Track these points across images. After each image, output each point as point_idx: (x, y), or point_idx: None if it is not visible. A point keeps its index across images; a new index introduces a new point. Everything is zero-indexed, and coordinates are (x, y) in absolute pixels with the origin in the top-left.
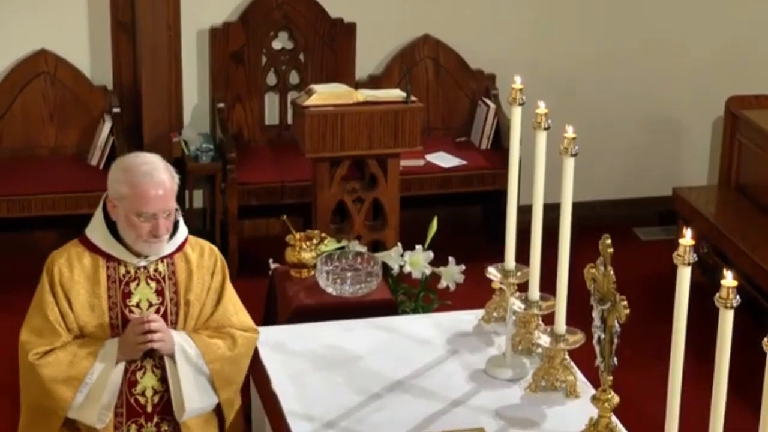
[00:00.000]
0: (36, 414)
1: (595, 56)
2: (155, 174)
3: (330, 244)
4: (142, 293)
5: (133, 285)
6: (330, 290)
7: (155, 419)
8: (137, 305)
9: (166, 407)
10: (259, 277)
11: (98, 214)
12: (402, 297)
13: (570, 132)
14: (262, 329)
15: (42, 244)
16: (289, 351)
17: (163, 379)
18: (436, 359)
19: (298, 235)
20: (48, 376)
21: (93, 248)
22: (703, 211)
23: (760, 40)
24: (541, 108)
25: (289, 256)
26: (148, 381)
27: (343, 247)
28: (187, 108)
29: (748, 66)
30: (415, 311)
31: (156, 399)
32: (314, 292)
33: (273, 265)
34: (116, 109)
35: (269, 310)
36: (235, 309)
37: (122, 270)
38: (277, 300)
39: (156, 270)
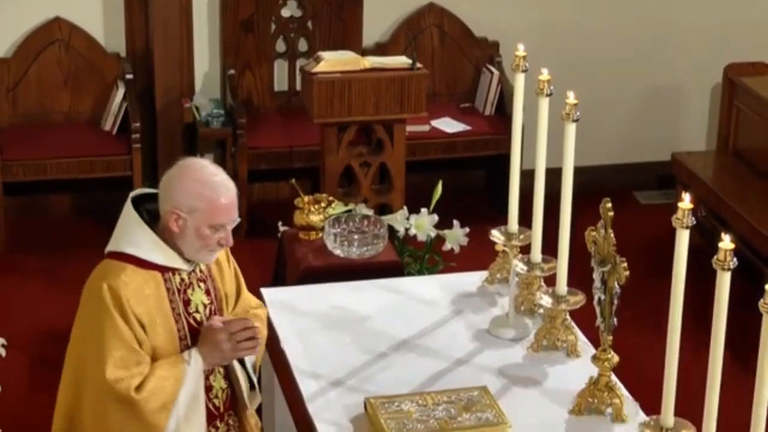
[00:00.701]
0: None
1: (596, 25)
2: (227, 184)
3: (337, 207)
4: (197, 297)
5: (189, 291)
6: (337, 252)
7: (225, 417)
8: (196, 310)
9: (231, 403)
10: (268, 240)
11: (141, 228)
12: (408, 259)
13: (571, 98)
14: (272, 290)
15: (56, 208)
16: (298, 311)
17: (225, 376)
18: (441, 319)
19: (306, 199)
20: (151, 410)
21: (145, 264)
22: (702, 175)
23: (757, 9)
24: (544, 75)
25: (297, 219)
26: (218, 382)
27: (350, 210)
28: (199, 74)
29: (746, 34)
30: (420, 273)
31: (224, 397)
32: (322, 254)
33: (282, 228)
34: (129, 76)
35: (278, 271)
36: (247, 290)
37: (177, 279)
38: (286, 262)
39: (201, 271)
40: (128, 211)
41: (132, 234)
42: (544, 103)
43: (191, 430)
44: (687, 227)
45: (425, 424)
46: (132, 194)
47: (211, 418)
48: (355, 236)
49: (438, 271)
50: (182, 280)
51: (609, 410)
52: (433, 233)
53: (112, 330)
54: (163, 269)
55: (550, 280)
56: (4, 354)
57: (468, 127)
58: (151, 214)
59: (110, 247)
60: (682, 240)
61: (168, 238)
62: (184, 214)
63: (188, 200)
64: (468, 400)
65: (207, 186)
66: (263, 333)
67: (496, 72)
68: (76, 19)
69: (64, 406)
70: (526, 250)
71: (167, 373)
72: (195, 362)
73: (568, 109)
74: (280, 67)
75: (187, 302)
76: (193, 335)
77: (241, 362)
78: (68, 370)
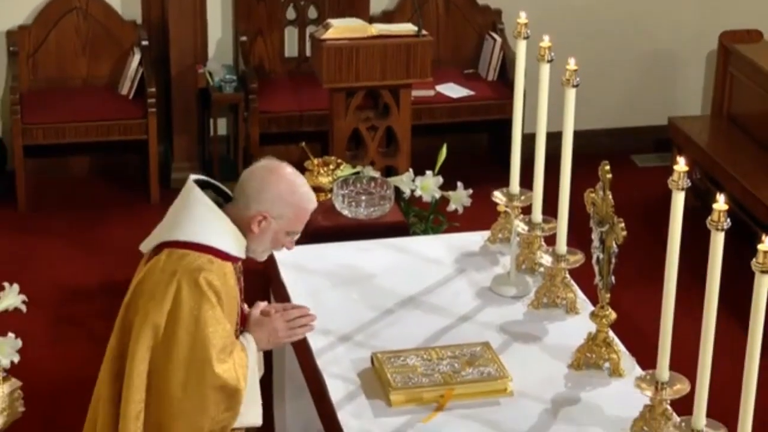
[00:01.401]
0: None
1: None
2: (312, 195)
3: (346, 170)
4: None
5: (241, 279)
6: (346, 213)
7: None
8: (243, 297)
9: None
10: None
11: (223, 222)
12: (413, 219)
13: (572, 64)
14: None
15: (74, 169)
16: (308, 270)
17: None
18: (445, 277)
19: (315, 161)
20: (244, 397)
21: (224, 256)
22: (697, 139)
23: None
24: (545, 42)
25: (307, 181)
26: None
27: (358, 173)
28: (212, 41)
29: (741, 2)
30: (425, 232)
31: None
32: (331, 215)
33: None
34: (145, 42)
35: None
36: None
37: (237, 270)
38: None
39: None
40: (200, 199)
41: (210, 225)
42: (544, 69)
43: (253, 412)
44: (682, 189)
45: (430, 378)
46: (193, 178)
47: None
48: (363, 197)
49: (442, 231)
50: (239, 269)
51: (606, 365)
52: (437, 194)
53: (215, 323)
54: (234, 259)
55: (551, 240)
56: (24, 310)
57: (471, 93)
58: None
59: (180, 235)
60: (678, 201)
61: (237, 229)
62: (271, 219)
63: (280, 207)
64: (471, 355)
65: (302, 198)
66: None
67: (498, 39)
68: None
69: (134, 402)
70: (527, 210)
71: (243, 362)
72: (252, 348)
73: (568, 75)
74: (291, 34)
75: (241, 290)
76: (242, 320)
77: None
78: (138, 363)
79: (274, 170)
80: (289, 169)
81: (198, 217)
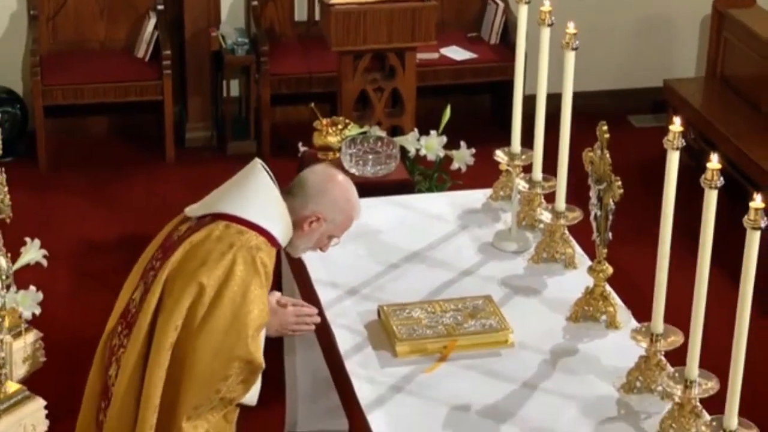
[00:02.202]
0: (210, 404)
1: None
2: (361, 210)
3: (353, 129)
4: None
5: None
6: (353, 171)
7: None
8: None
9: None
10: (289, 159)
11: (284, 212)
12: (418, 177)
13: (571, 28)
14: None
15: (93, 129)
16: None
17: None
18: (449, 233)
19: (324, 121)
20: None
21: (274, 243)
22: (691, 101)
23: None
24: (545, 6)
25: (316, 140)
26: None
27: (365, 132)
28: (224, 5)
29: None
30: (429, 190)
31: None
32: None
33: (302, 149)
34: (160, 7)
35: None
36: None
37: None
38: None
39: None
40: (269, 186)
41: (273, 212)
42: (545, 33)
43: (253, 392)
44: (677, 149)
45: (433, 330)
46: (260, 162)
47: None
48: (370, 156)
49: (446, 188)
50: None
51: (603, 317)
52: (441, 153)
53: (260, 302)
54: (279, 247)
55: (550, 197)
56: (45, 264)
57: (474, 55)
58: None
59: (242, 213)
60: (673, 160)
61: (290, 221)
62: (323, 222)
63: (334, 212)
64: (473, 307)
65: (353, 206)
66: None
67: (501, 3)
68: None
69: (164, 350)
70: (527, 169)
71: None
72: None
73: (567, 39)
74: None
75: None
76: None
77: None
78: (176, 318)
79: (334, 177)
80: (343, 177)
81: (262, 201)
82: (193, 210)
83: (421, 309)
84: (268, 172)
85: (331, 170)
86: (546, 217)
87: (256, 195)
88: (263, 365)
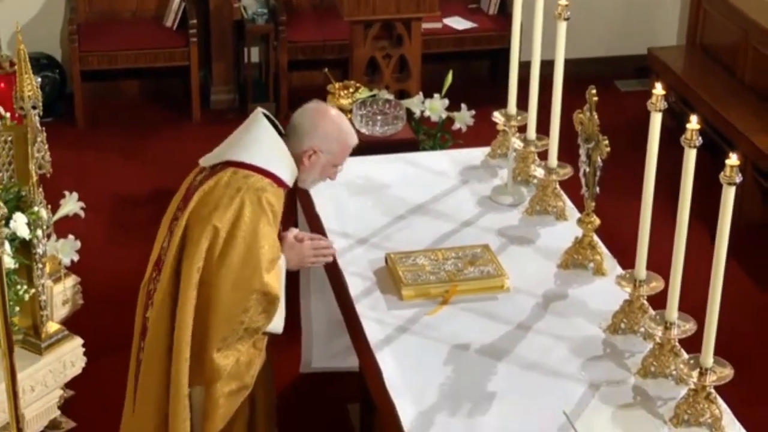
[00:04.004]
0: (236, 335)
1: None
2: (354, 132)
3: (363, 93)
4: None
5: None
6: (363, 131)
7: None
8: None
9: None
10: None
11: (285, 154)
12: (422, 136)
13: (563, 0)
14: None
15: (125, 92)
16: (330, 181)
17: None
18: (450, 188)
19: (337, 85)
20: (279, 307)
21: (280, 183)
22: (673, 67)
23: None
24: None
25: (330, 102)
26: None
27: (374, 95)
28: None
29: None
30: (433, 148)
31: None
32: None
33: None
34: None
35: None
36: None
37: (285, 196)
38: None
39: None
40: (269, 131)
41: (274, 154)
42: (539, 4)
43: (277, 319)
44: (660, 110)
45: (436, 276)
46: (262, 111)
47: None
48: (378, 117)
49: (448, 147)
50: (286, 196)
51: (591, 265)
52: (444, 115)
53: (270, 238)
54: (286, 187)
55: (543, 155)
56: (83, 215)
57: (475, 25)
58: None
59: (247, 158)
60: (656, 121)
61: (293, 161)
62: (321, 153)
63: (329, 143)
64: (472, 255)
65: (345, 133)
66: None
67: None
68: None
69: (191, 289)
70: (522, 129)
71: (280, 278)
72: (284, 265)
73: (560, 10)
74: None
75: (282, 213)
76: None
77: None
78: (197, 260)
79: (323, 112)
80: (335, 111)
81: (265, 146)
82: (207, 160)
83: (425, 257)
84: (270, 118)
85: (319, 106)
86: (539, 173)
87: (258, 141)
88: (279, 295)
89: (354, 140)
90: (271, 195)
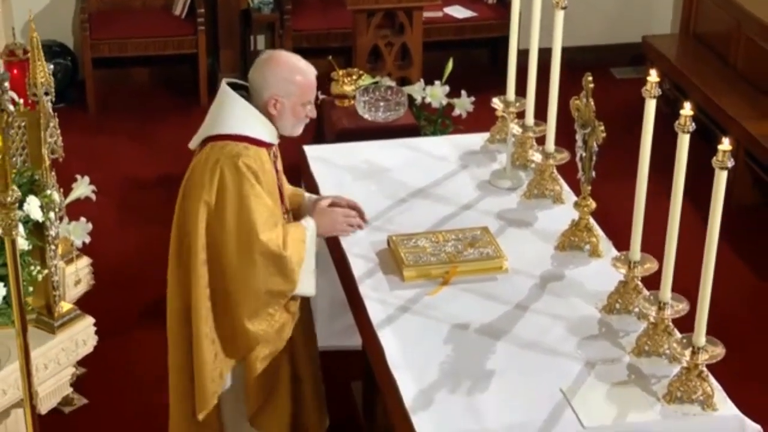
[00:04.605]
0: (261, 301)
1: None
2: (310, 67)
3: (366, 80)
4: (279, 166)
5: (277, 163)
6: (366, 116)
7: None
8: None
9: None
10: None
11: (250, 112)
12: (423, 122)
13: None
14: (313, 147)
15: (135, 78)
16: (334, 164)
17: None
18: (450, 172)
19: (341, 72)
20: (293, 265)
21: (257, 143)
22: (667, 54)
23: None
24: None
25: (334, 89)
26: None
27: (377, 82)
28: None
29: None
30: (434, 134)
31: None
32: (354, 118)
33: (321, 96)
34: None
35: (318, 132)
36: None
37: (272, 154)
38: (324, 124)
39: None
40: (233, 97)
41: (242, 118)
42: None
43: (309, 282)
44: (654, 97)
45: (437, 257)
46: (226, 81)
47: None
48: (381, 103)
49: (448, 132)
50: (273, 153)
51: (587, 247)
52: (444, 101)
53: (256, 198)
54: (267, 145)
55: (541, 140)
56: (94, 198)
57: (474, 14)
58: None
59: (220, 130)
60: (650, 108)
61: (265, 118)
62: (282, 98)
63: (284, 86)
64: (472, 237)
65: (297, 71)
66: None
67: None
68: None
69: (201, 286)
70: (521, 115)
71: (297, 236)
72: (312, 229)
73: None
74: None
75: (278, 171)
76: (283, 200)
77: None
78: (200, 238)
79: (271, 59)
80: (282, 53)
81: (233, 113)
82: (193, 142)
83: (426, 239)
84: (236, 84)
85: (266, 56)
86: (537, 157)
87: (227, 110)
88: (284, 253)
89: (311, 73)
90: (248, 157)
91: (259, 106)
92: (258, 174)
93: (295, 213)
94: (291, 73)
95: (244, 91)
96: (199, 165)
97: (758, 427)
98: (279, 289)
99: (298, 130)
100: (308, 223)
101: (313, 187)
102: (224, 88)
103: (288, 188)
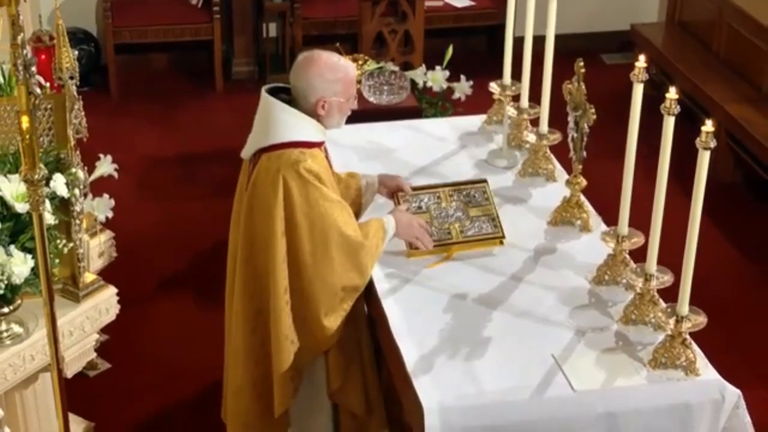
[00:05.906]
0: (338, 297)
1: None
2: (347, 62)
3: (371, 65)
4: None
5: (329, 158)
6: (371, 99)
7: None
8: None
9: None
10: None
11: (299, 117)
12: (425, 105)
13: None
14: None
15: (155, 64)
16: (341, 145)
17: None
18: (450, 152)
19: (347, 58)
20: (371, 258)
21: (311, 145)
22: (654, 42)
23: None
24: None
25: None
26: None
27: (381, 67)
28: None
29: None
30: (434, 116)
31: None
32: (360, 101)
33: None
34: None
35: None
36: None
37: (323, 150)
38: None
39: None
40: (279, 106)
41: (292, 123)
42: None
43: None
44: (642, 82)
45: (440, 230)
46: (265, 88)
47: None
48: (385, 87)
49: (448, 114)
50: (324, 148)
51: (578, 222)
52: (445, 85)
53: (325, 200)
54: (319, 144)
55: (535, 122)
56: (116, 176)
57: (473, 3)
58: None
59: (273, 140)
60: (638, 91)
61: (311, 118)
62: (329, 99)
63: (330, 87)
64: (473, 198)
65: (338, 69)
66: None
67: None
68: None
69: (281, 278)
70: (516, 98)
71: (378, 231)
72: (391, 228)
73: None
74: None
75: (330, 164)
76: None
77: None
78: (280, 249)
79: (311, 63)
80: (320, 54)
81: (280, 121)
82: (245, 153)
83: (429, 196)
84: (278, 88)
85: (302, 60)
86: (531, 138)
87: (274, 119)
88: (365, 242)
89: (351, 69)
90: (306, 161)
91: (306, 110)
92: (320, 175)
93: (355, 194)
94: (334, 73)
95: (283, 93)
96: (260, 178)
97: (737, 391)
98: (354, 284)
99: (342, 124)
100: (388, 223)
101: None
102: (266, 97)
103: (339, 175)
